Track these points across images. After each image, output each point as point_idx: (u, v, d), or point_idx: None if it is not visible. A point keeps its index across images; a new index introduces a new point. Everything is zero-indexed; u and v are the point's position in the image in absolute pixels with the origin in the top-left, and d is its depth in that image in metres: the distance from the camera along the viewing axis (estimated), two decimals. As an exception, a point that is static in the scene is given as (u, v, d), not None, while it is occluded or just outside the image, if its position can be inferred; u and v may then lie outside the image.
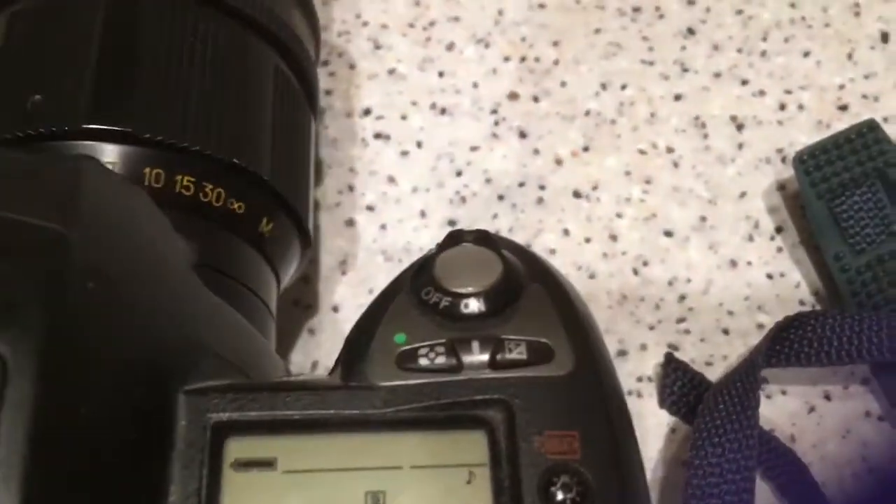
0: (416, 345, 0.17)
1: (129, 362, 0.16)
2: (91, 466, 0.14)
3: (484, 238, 0.19)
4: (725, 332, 0.31)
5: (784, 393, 0.30)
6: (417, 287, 0.18)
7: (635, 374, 0.30)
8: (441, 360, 0.17)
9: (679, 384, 0.29)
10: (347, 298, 0.31)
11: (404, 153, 0.33)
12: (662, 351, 0.30)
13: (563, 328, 0.17)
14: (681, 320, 0.31)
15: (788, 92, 0.34)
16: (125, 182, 0.18)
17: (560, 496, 0.16)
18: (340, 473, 0.16)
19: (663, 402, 0.29)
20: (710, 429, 0.25)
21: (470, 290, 0.18)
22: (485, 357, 0.17)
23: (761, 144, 0.33)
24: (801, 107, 0.34)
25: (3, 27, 0.22)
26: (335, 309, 0.31)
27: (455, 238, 0.19)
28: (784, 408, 0.30)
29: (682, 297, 0.31)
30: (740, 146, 0.33)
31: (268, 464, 0.16)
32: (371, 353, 0.17)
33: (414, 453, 0.16)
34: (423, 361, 0.17)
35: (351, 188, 0.33)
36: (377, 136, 0.33)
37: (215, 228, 0.22)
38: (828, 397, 0.30)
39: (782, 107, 0.34)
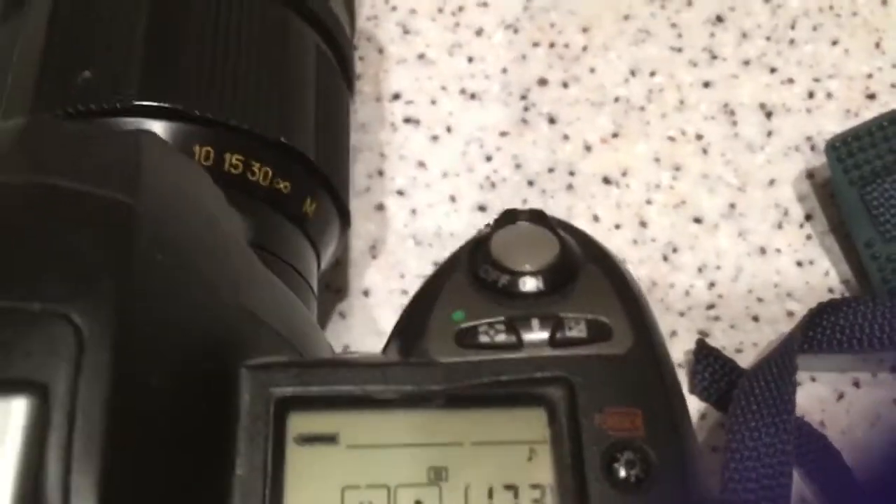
0: (475, 322, 0.17)
1: (196, 335, 0.16)
2: (165, 437, 0.14)
3: (539, 217, 0.19)
4: (755, 319, 0.31)
5: (813, 380, 0.30)
6: (474, 265, 0.18)
7: (666, 359, 0.30)
8: (501, 337, 0.17)
9: (710, 370, 0.29)
10: (378, 283, 0.31)
11: (434, 138, 0.33)
12: (692, 337, 0.30)
13: (620, 307, 0.17)
14: (710, 307, 0.31)
15: (817, 80, 0.34)
16: (183, 156, 0.18)
17: (623, 473, 0.16)
18: (402, 449, 0.16)
19: (694, 389, 0.29)
20: (747, 413, 0.25)
21: (528, 268, 0.18)
22: (544, 335, 0.17)
23: (790, 132, 0.33)
24: (829, 95, 0.34)
25: (49, 2, 0.22)
26: (365, 293, 0.31)
27: (509, 216, 0.19)
28: (813, 394, 0.30)
29: (712, 284, 0.31)
30: (769, 134, 0.33)
31: (330, 438, 0.16)
32: (430, 330, 0.17)
33: (475, 430, 0.16)
34: (483, 339, 0.17)
35: (381, 173, 0.33)
36: (407, 120, 0.33)
37: (262, 207, 0.22)
38: (857, 384, 0.30)
39: (811, 95, 0.34)
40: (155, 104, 0.21)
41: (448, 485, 0.16)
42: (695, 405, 0.30)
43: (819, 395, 0.30)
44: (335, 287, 0.31)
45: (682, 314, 0.31)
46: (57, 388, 0.13)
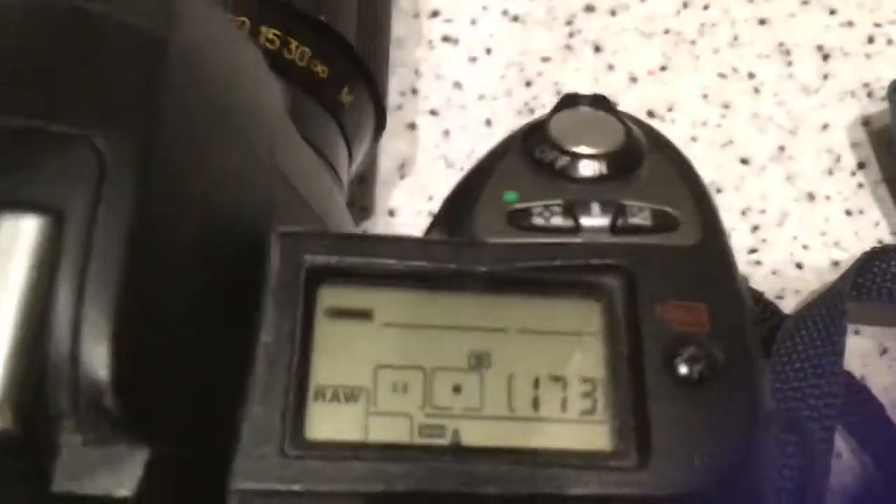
0: (530, 203, 0.16)
1: (225, 187, 0.14)
2: (185, 283, 0.13)
3: (602, 102, 0.17)
4: (799, 266, 0.29)
5: (857, 333, 0.28)
6: (530, 146, 0.17)
7: (703, 301, 0.29)
8: (557, 220, 0.16)
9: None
10: (404, 204, 0.30)
11: (472, 59, 0.32)
12: (732, 280, 0.29)
13: (689, 198, 0.16)
14: (752, 251, 0.29)
15: (878, 25, 0.32)
16: (222, 10, 0.17)
17: (685, 369, 0.14)
18: (442, 330, 0.15)
19: (732, 332, 0.28)
20: (792, 353, 0.24)
21: (590, 150, 0.16)
22: (605, 221, 0.16)
23: (847, 76, 0.32)
24: (889, 41, 0.32)
25: None
26: (391, 213, 0.30)
27: (570, 100, 0.17)
28: (856, 348, 0.28)
29: (756, 228, 0.30)
30: (825, 77, 0.32)
31: (364, 314, 0.15)
32: (478, 209, 0.16)
33: (522, 316, 0.15)
34: (538, 220, 0.16)
35: (414, 91, 0.31)
36: (445, 39, 0.32)
37: (296, 90, 0.20)
38: (903, 340, 0.28)
39: (871, 40, 0.32)
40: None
41: (490, 372, 0.15)
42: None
43: (862, 348, 0.28)
44: (360, 205, 0.30)
45: (722, 257, 0.29)
46: (73, 213, 0.12)
